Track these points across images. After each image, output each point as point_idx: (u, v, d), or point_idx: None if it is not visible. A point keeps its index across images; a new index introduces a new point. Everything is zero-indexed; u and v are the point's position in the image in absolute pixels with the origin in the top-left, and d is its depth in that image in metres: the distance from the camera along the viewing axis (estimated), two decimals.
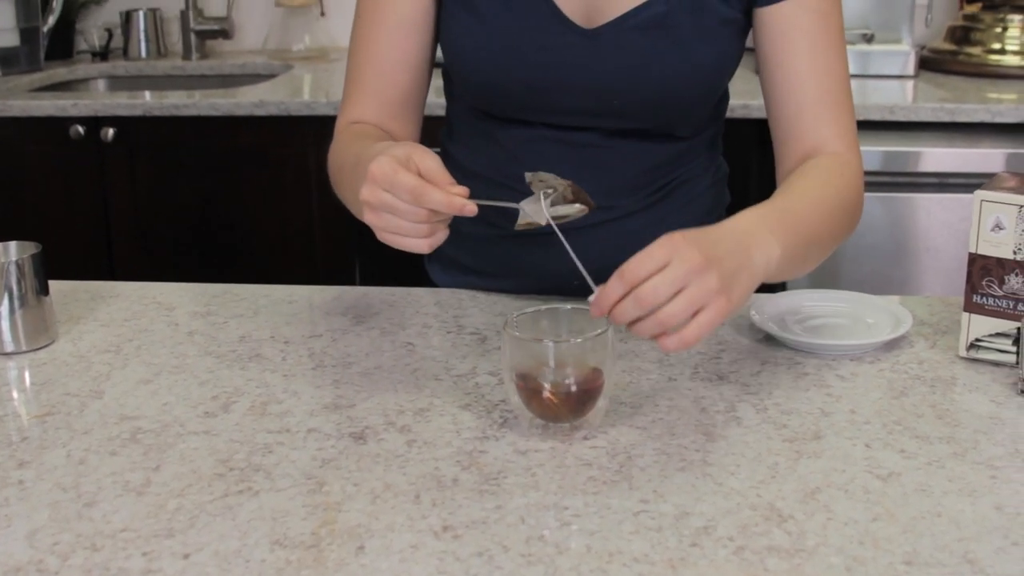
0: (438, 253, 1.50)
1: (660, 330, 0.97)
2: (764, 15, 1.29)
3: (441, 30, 1.37)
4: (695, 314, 0.97)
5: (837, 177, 1.26)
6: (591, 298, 1.00)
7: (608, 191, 1.37)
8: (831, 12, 1.29)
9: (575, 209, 1.06)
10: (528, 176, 1.07)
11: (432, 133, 1.59)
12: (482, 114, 1.39)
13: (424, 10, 1.35)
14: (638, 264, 0.97)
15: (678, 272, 0.96)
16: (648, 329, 0.97)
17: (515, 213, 1.09)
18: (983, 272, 1.15)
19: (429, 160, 1.04)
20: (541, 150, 1.36)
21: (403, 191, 1.02)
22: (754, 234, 1.07)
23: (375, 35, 1.36)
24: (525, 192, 1.38)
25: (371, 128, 1.35)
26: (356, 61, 1.38)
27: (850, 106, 1.31)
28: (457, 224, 1.10)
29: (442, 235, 1.06)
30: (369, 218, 1.06)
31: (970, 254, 1.16)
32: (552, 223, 1.06)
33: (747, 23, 1.33)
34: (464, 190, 1.03)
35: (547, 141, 1.36)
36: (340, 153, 1.31)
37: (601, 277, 1.02)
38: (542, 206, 1.06)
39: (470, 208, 1.02)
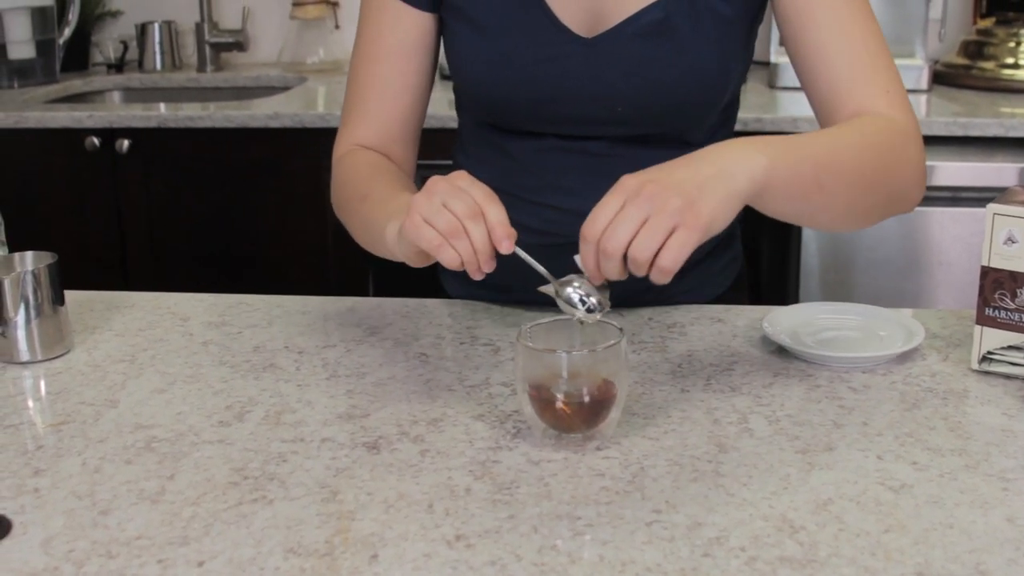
0: None
1: (640, 269, 0.98)
2: None
3: (444, 47, 1.38)
4: (669, 237, 0.97)
5: (868, 124, 1.20)
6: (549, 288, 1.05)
7: None
8: None
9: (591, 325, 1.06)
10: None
11: (445, 146, 1.59)
12: (491, 126, 1.40)
13: (425, 33, 1.36)
14: (594, 218, 0.99)
15: (632, 209, 0.97)
16: (636, 270, 0.98)
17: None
18: (995, 285, 1.15)
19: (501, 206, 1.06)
20: (550, 160, 1.37)
21: (478, 191, 1.04)
22: (724, 150, 1.05)
23: (376, 57, 1.37)
24: (538, 202, 1.38)
25: (382, 159, 1.36)
26: (357, 84, 1.39)
27: (888, 68, 1.25)
28: None
29: (450, 256, 1.04)
30: (419, 197, 1.05)
31: (982, 267, 1.16)
32: (579, 320, 1.05)
33: (754, 20, 1.32)
34: (515, 233, 1.04)
35: (556, 151, 1.36)
36: (357, 182, 1.31)
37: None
38: (581, 314, 1.04)
39: (508, 245, 1.03)
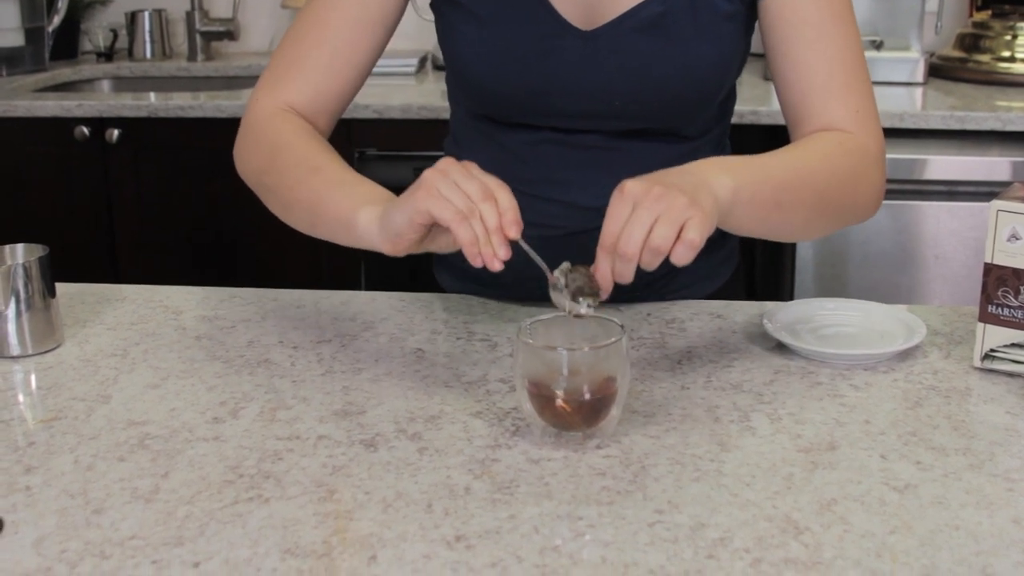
0: (448, 261, 1.49)
1: (659, 256, 1.00)
2: (768, 6, 1.27)
3: (440, 38, 1.36)
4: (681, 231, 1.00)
5: (830, 145, 1.24)
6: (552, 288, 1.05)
7: None
8: None
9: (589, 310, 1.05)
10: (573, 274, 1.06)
11: (436, 139, 1.57)
12: (485, 118, 1.38)
13: (389, 12, 1.33)
14: (610, 228, 1.01)
15: (644, 211, 1.00)
16: (651, 262, 1.00)
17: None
18: (999, 282, 1.14)
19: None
20: (545, 153, 1.36)
21: (490, 178, 1.04)
22: (699, 168, 1.10)
23: (334, 22, 1.32)
24: (532, 195, 1.36)
25: (317, 133, 1.32)
26: (306, 43, 1.33)
27: (863, 89, 1.28)
28: None
29: (466, 233, 1.02)
30: (433, 174, 1.04)
31: (986, 264, 1.15)
32: (568, 312, 1.05)
33: (751, 17, 1.31)
34: (522, 223, 1.04)
35: (551, 144, 1.35)
36: (303, 150, 1.26)
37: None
38: (573, 307, 1.04)
39: (516, 230, 1.02)
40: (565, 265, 1.05)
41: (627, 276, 1.01)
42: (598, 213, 1.33)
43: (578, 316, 1.04)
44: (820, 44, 1.26)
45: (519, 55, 1.28)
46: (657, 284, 1.40)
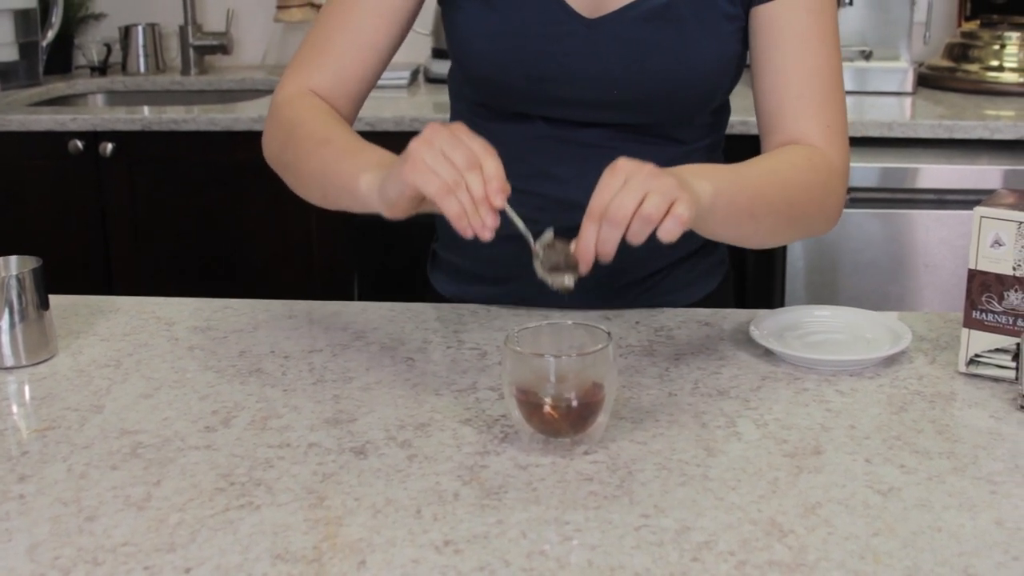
0: (442, 261, 1.51)
1: (649, 226, 1.01)
2: (759, 13, 1.30)
3: (447, 25, 1.37)
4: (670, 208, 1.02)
5: (800, 158, 1.27)
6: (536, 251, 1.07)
7: None
8: (824, 11, 1.30)
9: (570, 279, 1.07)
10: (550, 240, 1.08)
11: None
12: (485, 112, 1.39)
13: (411, 0, 1.36)
14: (601, 196, 1.03)
15: (636, 182, 1.02)
16: (639, 231, 1.02)
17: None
18: (983, 288, 1.15)
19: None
20: (542, 148, 1.37)
21: (477, 143, 1.05)
22: (680, 171, 1.11)
23: (357, 9, 1.35)
24: (525, 191, 1.37)
25: (336, 112, 1.35)
26: (328, 28, 1.37)
27: (836, 105, 1.31)
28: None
29: (453, 206, 1.04)
30: (419, 145, 1.05)
31: (969, 270, 1.16)
32: (551, 285, 1.08)
33: (747, 25, 1.33)
34: (509, 189, 1.05)
35: (548, 139, 1.36)
36: (316, 125, 1.29)
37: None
38: (555, 279, 1.07)
39: (501, 199, 1.03)
40: (547, 236, 1.07)
41: (611, 245, 1.02)
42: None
43: (560, 289, 1.05)
44: (802, 56, 1.29)
45: (523, 39, 1.30)
46: (646, 283, 1.41)
